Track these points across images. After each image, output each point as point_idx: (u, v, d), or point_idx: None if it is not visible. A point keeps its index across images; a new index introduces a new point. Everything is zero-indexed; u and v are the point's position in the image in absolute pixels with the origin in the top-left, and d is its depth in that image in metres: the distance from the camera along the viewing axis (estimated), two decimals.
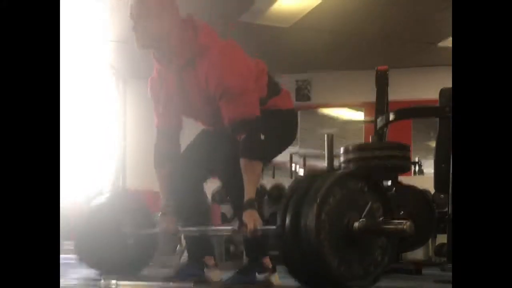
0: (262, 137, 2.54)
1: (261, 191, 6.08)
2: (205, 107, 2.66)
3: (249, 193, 2.51)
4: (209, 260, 2.84)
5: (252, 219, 2.46)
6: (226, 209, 5.87)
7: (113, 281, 2.48)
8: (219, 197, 5.98)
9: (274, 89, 2.77)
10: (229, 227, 2.65)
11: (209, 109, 2.64)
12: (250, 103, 2.57)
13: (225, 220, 5.53)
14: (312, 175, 2.37)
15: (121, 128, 6.96)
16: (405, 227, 2.12)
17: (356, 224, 2.18)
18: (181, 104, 2.72)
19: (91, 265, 3.29)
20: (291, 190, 2.28)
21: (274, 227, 2.31)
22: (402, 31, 6.92)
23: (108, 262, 3.13)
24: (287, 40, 6.94)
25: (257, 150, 2.53)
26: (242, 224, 2.49)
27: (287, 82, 8.17)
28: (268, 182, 6.55)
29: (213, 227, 2.86)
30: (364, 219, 2.18)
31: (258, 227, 2.46)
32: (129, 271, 3.02)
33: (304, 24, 6.63)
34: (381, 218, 2.28)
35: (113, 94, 6.98)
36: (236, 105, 2.53)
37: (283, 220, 2.20)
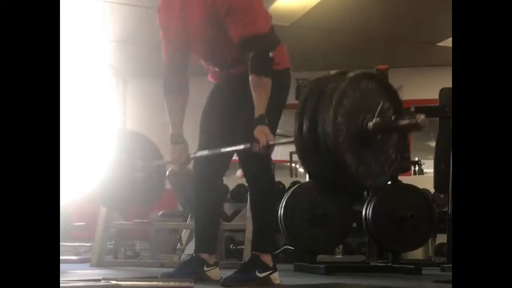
0: (271, 54, 2.54)
1: None
2: (210, 31, 2.66)
3: (259, 109, 2.50)
4: (210, 258, 2.83)
5: (263, 134, 2.45)
6: (227, 207, 5.86)
7: (113, 282, 2.44)
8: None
9: (273, 40, 2.73)
10: (241, 146, 2.56)
11: (215, 35, 2.64)
12: (258, 19, 2.58)
13: (225, 219, 5.51)
14: (325, 79, 2.36)
15: (122, 128, 6.91)
16: (418, 121, 2.10)
17: (370, 124, 2.18)
18: (185, 33, 2.72)
19: (100, 201, 3.25)
20: (305, 94, 2.27)
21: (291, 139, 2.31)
22: (402, 30, 6.90)
23: (116, 197, 3.06)
24: (287, 38, 6.75)
25: (267, 66, 2.53)
26: (253, 140, 2.46)
27: None
28: None
29: (224, 149, 2.72)
30: (378, 118, 2.19)
31: (270, 142, 2.45)
32: (138, 206, 2.92)
33: (304, 22, 6.61)
34: (392, 117, 2.28)
35: (113, 94, 6.93)
36: (244, 22, 2.54)
37: (300, 126, 2.20)
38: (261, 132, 2.46)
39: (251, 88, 2.54)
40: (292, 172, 8.90)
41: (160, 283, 2.55)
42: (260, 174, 2.69)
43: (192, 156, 2.79)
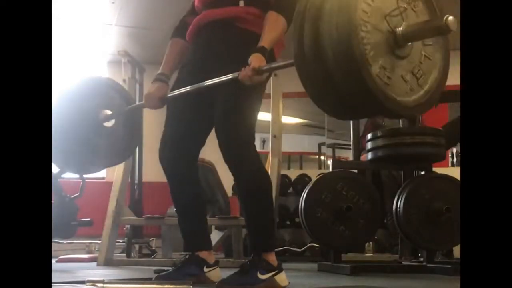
0: None
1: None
2: None
3: (264, 41, 2.34)
4: (210, 257, 2.55)
5: (258, 59, 2.25)
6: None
7: (100, 284, 2.19)
8: None
9: None
10: (229, 76, 2.30)
11: None
12: None
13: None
14: None
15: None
16: (447, 22, 1.79)
17: (399, 30, 1.89)
18: None
19: (56, 160, 2.93)
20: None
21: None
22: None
23: (76, 152, 2.79)
24: None
25: (288, 6, 2.36)
26: (246, 64, 2.25)
27: None
28: (295, 173, 6.29)
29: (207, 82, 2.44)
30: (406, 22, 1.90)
31: (265, 67, 2.23)
32: (104, 159, 2.66)
33: None
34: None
35: (129, 83, 6.68)
36: None
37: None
38: (256, 57, 2.26)
39: (265, 22, 2.38)
40: (321, 164, 8.73)
41: (154, 286, 2.32)
42: (244, 156, 2.37)
43: (169, 95, 2.52)
